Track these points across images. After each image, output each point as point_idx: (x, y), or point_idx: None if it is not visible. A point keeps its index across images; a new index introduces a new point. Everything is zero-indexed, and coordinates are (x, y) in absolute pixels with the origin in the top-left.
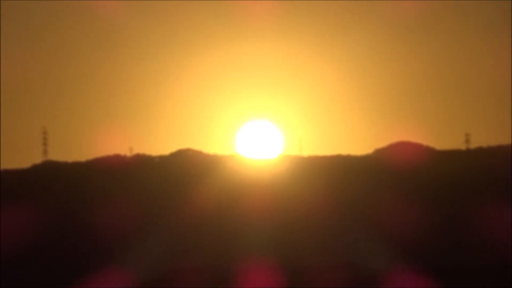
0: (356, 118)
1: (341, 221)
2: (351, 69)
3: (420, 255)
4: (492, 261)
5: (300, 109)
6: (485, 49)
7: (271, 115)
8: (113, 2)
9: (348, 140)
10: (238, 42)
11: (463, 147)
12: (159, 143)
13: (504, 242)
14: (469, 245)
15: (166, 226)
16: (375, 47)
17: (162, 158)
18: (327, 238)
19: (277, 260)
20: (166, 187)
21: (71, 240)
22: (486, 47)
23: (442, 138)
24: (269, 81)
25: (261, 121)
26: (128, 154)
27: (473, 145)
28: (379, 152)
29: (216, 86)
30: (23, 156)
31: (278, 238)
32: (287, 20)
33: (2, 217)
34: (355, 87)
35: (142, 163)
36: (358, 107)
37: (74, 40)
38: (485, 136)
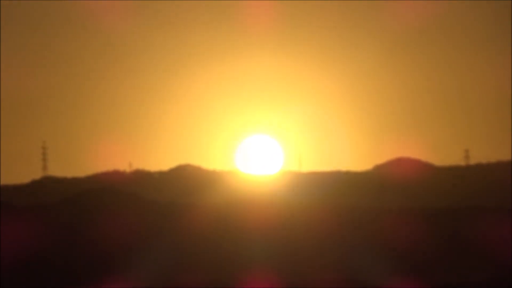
0: (356, 134)
1: (341, 236)
2: (351, 85)
3: (420, 270)
4: (492, 275)
5: (300, 125)
6: (484, 66)
7: (271, 130)
8: (113, 17)
9: (348, 156)
10: (237, 57)
11: (462, 163)
12: (158, 158)
13: (505, 258)
14: (470, 260)
15: (165, 242)
16: (375, 64)
17: (162, 174)
18: (327, 254)
19: (277, 275)
20: (165, 203)
21: (70, 255)
22: (485, 64)
23: (441, 154)
24: (268, 96)
25: (260, 136)
26: (128, 169)
27: (473, 161)
28: (378, 168)
29: (215, 101)
30: (22, 172)
31: (278, 253)
32: (287, 35)
33: (1, 232)
34: (355, 103)
35: (142, 178)
36: (357, 123)
37: (74, 56)
38: (484, 152)
